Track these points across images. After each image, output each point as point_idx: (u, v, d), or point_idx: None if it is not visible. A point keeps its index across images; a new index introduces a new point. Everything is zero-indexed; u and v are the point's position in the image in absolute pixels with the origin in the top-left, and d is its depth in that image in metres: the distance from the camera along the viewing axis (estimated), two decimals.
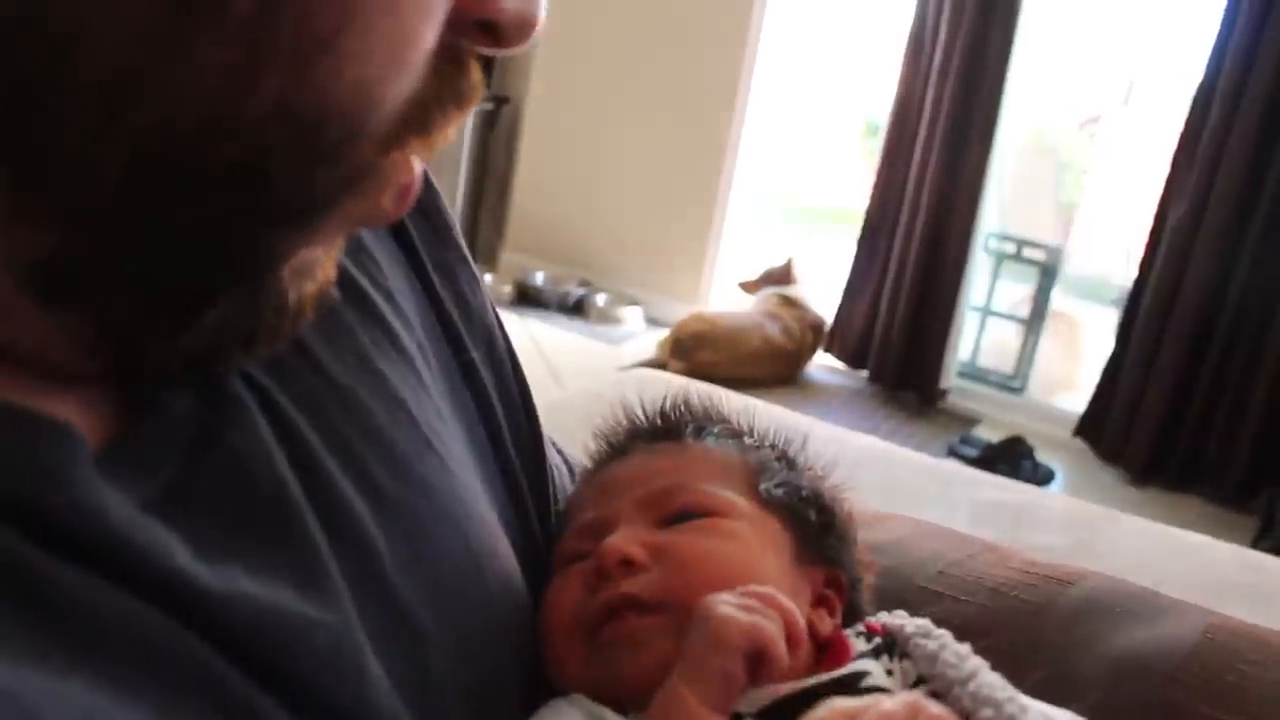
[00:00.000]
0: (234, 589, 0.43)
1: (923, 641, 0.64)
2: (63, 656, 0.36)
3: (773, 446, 0.79)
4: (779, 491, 0.73)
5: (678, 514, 0.69)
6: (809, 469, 0.79)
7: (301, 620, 0.45)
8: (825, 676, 0.62)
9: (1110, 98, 8.32)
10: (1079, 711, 0.62)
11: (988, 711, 0.58)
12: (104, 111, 0.33)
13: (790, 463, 0.78)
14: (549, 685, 0.64)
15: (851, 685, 0.62)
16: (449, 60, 0.41)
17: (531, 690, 0.63)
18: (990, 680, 0.60)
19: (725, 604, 0.59)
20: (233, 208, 0.37)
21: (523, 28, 0.41)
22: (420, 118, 0.41)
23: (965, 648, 0.62)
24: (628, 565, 0.65)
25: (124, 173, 0.35)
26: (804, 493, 0.75)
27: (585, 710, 0.61)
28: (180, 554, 0.42)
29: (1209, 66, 3.90)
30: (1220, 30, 3.87)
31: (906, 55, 4.51)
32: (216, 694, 0.41)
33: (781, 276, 4.83)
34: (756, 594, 0.61)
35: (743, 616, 0.59)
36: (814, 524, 0.73)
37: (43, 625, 0.36)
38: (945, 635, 0.64)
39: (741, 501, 0.71)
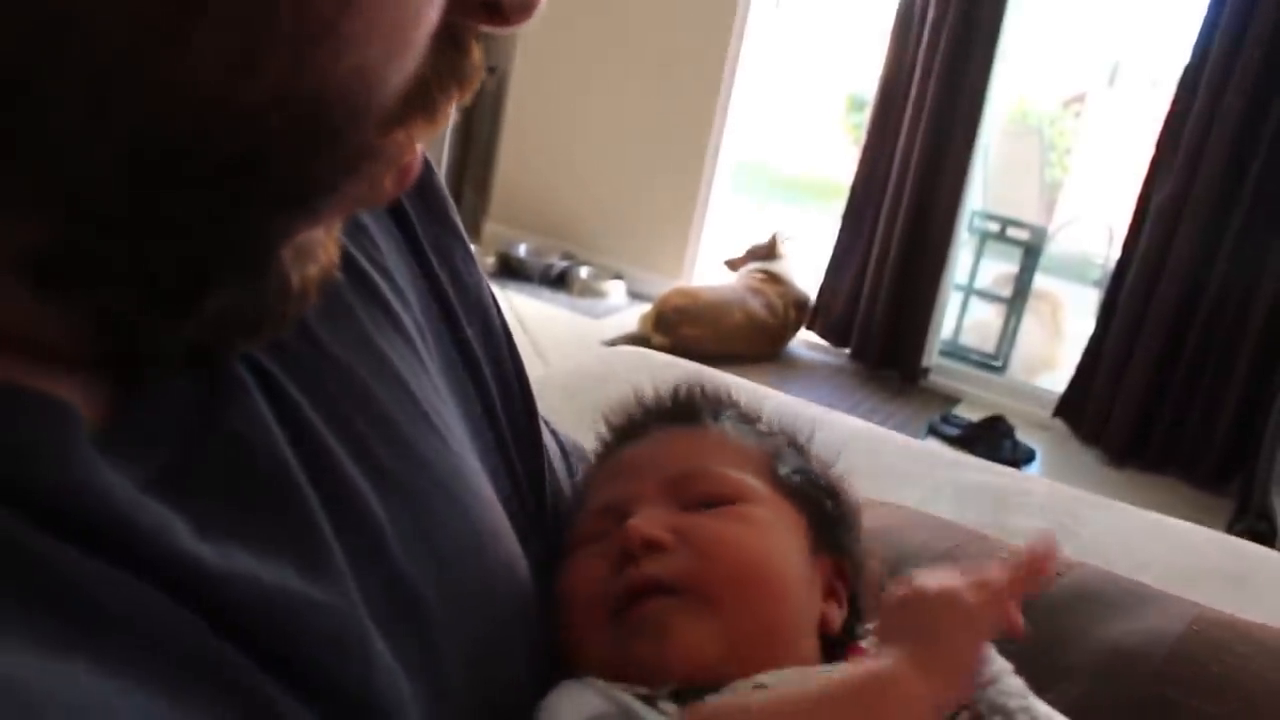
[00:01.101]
0: (237, 570, 0.43)
1: None
2: (64, 639, 0.36)
3: (782, 433, 0.79)
4: (796, 478, 0.73)
5: (701, 499, 0.69)
6: (816, 457, 0.79)
7: (305, 602, 0.45)
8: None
9: (1095, 78, 8.33)
10: (1067, 704, 0.63)
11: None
12: (98, 101, 0.32)
13: (799, 450, 0.78)
14: (554, 663, 0.64)
15: None
16: (450, 40, 0.40)
17: (536, 669, 0.63)
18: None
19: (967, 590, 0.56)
20: (232, 196, 0.37)
21: (525, 6, 0.41)
22: (422, 98, 0.40)
23: (1017, 683, 0.62)
24: (652, 547, 0.64)
25: (120, 163, 0.34)
26: (820, 480, 0.74)
27: (600, 691, 0.60)
28: (182, 535, 0.41)
29: (1196, 47, 3.90)
30: (1208, 11, 3.87)
31: (894, 32, 4.50)
32: (221, 676, 0.41)
33: (766, 252, 4.83)
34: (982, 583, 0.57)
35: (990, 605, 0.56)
36: (829, 513, 0.73)
37: (43, 608, 0.36)
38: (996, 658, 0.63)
39: (762, 487, 0.71)
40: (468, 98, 0.44)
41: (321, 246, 0.45)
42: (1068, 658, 0.80)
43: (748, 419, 0.78)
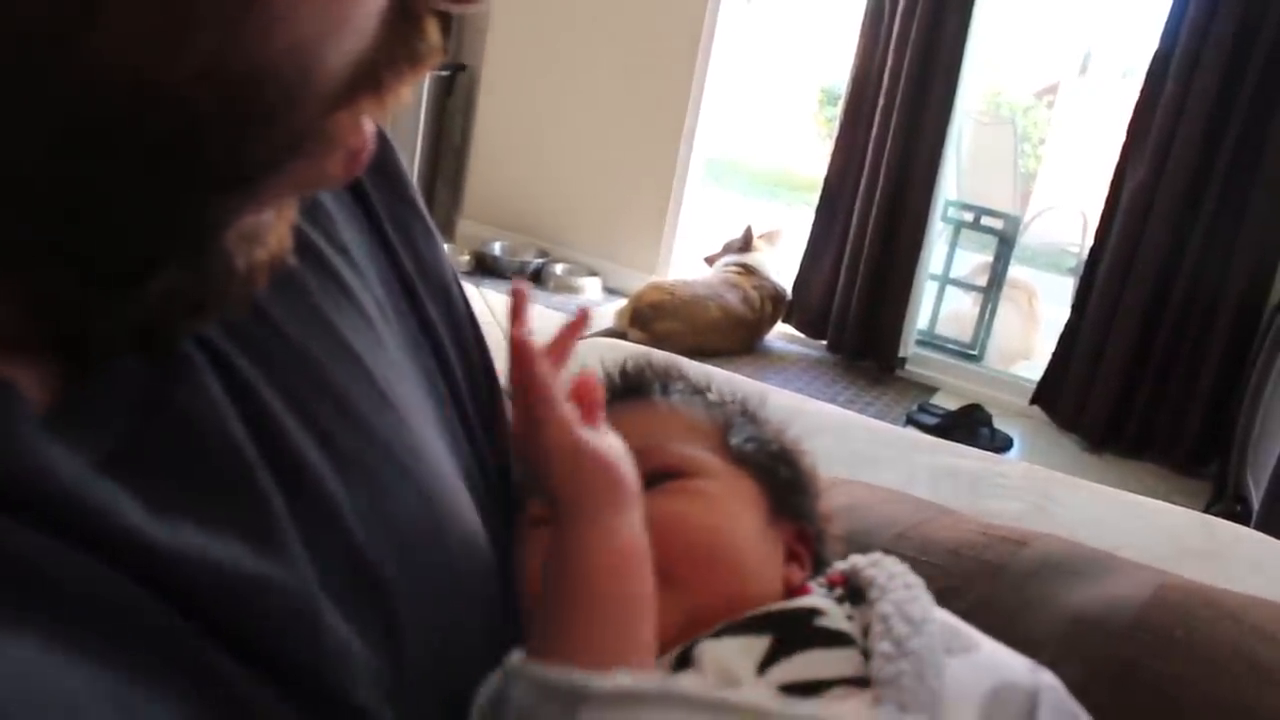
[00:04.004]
0: (188, 547, 0.42)
1: (871, 571, 0.65)
2: (11, 616, 0.36)
3: (734, 403, 0.79)
4: (749, 447, 0.73)
5: (650, 476, 0.68)
6: (769, 424, 0.79)
7: (257, 579, 0.45)
8: (775, 607, 0.63)
9: (1067, 68, 8.38)
10: None
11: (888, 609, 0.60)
12: (21, 80, 0.32)
13: (752, 418, 0.78)
14: (513, 637, 0.64)
15: (804, 620, 0.62)
16: (404, 18, 0.40)
17: (494, 643, 0.62)
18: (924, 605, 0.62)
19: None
20: (166, 175, 0.36)
21: None
22: (370, 78, 0.39)
23: (904, 568, 0.64)
24: None
25: (49, 143, 0.34)
26: (773, 448, 0.74)
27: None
28: (132, 513, 0.41)
29: (1165, 34, 3.92)
30: None
31: (865, 24, 4.50)
32: (174, 651, 0.41)
33: (741, 246, 4.84)
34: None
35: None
36: (784, 479, 0.73)
37: None
38: (891, 561, 0.65)
39: (713, 459, 0.71)
40: (422, 78, 0.43)
41: (271, 231, 0.45)
42: (1034, 624, 0.80)
43: (697, 390, 0.78)
